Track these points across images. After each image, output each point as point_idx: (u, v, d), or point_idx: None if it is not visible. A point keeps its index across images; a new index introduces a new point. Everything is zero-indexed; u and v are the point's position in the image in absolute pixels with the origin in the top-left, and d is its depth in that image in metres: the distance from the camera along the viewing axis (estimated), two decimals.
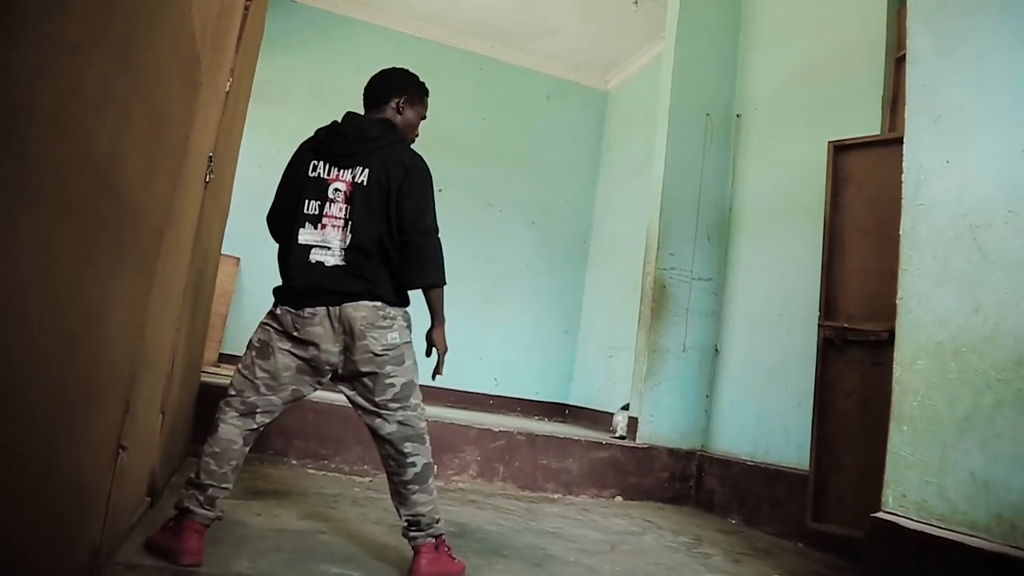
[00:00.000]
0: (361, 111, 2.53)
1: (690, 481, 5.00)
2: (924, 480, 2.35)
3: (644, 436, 5.10)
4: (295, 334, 2.26)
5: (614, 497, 4.76)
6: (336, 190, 2.30)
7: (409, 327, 2.39)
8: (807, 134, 4.57)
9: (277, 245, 2.40)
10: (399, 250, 2.31)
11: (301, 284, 2.25)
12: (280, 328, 2.29)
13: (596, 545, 3.24)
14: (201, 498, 2.17)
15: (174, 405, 2.78)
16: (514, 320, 7.81)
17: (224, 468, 2.22)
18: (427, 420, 2.42)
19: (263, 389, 2.27)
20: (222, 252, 4.32)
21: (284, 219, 2.36)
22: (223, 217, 3.76)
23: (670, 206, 5.44)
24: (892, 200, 2.84)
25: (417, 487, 2.31)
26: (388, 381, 2.29)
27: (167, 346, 2.37)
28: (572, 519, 3.82)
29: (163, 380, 2.41)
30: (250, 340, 2.34)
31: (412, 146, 2.52)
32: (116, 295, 1.34)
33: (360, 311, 2.24)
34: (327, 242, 2.27)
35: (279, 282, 2.34)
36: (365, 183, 2.29)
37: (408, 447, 2.31)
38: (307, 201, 2.30)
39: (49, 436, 1.07)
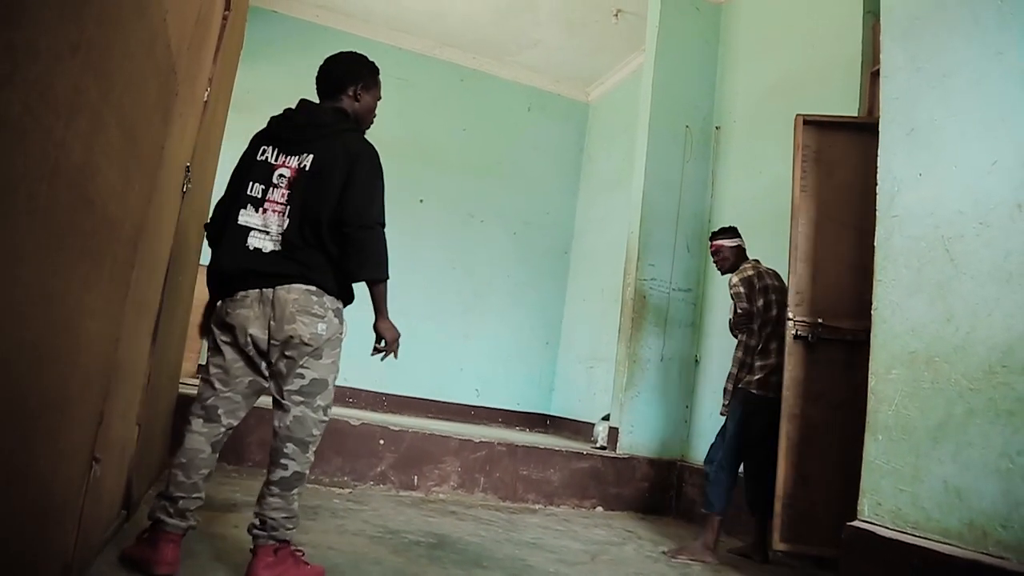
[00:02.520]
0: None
1: (670, 491, 5.01)
2: (898, 488, 2.37)
3: (624, 446, 5.12)
4: (226, 319, 2.21)
5: (595, 507, 4.76)
6: (280, 176, 2.24)
7: (342, 323, 2.31)
8: (785, 146, 4.62)
9: (205, 229, 2.39)
10: (339, 242, 2.23)
11: (235, 266, 2.20)
12: (218, 319, 2.25)
13: (576, 556, 3.24)
14: (171, 509, 2.15)
15: (151, 417, 2.75)
16: (495, 331, 7.81)
17: (193, 478, 2.19)
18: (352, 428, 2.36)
19: (217, 385, 2.23)
20: (201, 262, 4.29)
21: (227, 201, 2.31)
22: (201, 228, 3.74)
23: (650, 217, 5.47)
24: (866, 188, 2.85)
25: (277, 491, 2.20)
26: (299, 371, 2.21)
27: (143, 357, 2.35)
28: (553, 530, 3.81)
29: (139, 391, 2.38)
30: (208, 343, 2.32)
31: (369, 133, 2.46)
32: (88, 305, 1.33)
33: (292, 293, 2.18)
34: (267, 227, 2.21)
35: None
36: (308, 168, 2.24)
37: (288, 449, 2.21)
38: (251, 183, 2.25)
39: (16, 446, 1.06)
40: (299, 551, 2.27)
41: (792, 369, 3.42)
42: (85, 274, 1.27)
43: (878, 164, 2.75)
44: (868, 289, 2.71)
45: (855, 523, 2.48)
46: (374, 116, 2.55)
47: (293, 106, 2.41)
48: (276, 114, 2.40)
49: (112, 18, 1.11)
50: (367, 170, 2.28)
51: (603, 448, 5.22)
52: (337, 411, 4.85)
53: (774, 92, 5.07)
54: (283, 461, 2.21)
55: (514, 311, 7.95)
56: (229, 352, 2.23)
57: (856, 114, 4.13)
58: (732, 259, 3.90)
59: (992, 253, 2.25)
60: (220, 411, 2.24)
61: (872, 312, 2.65)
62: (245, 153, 2.37)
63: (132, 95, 1.37)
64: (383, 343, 2.38)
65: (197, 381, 5.38)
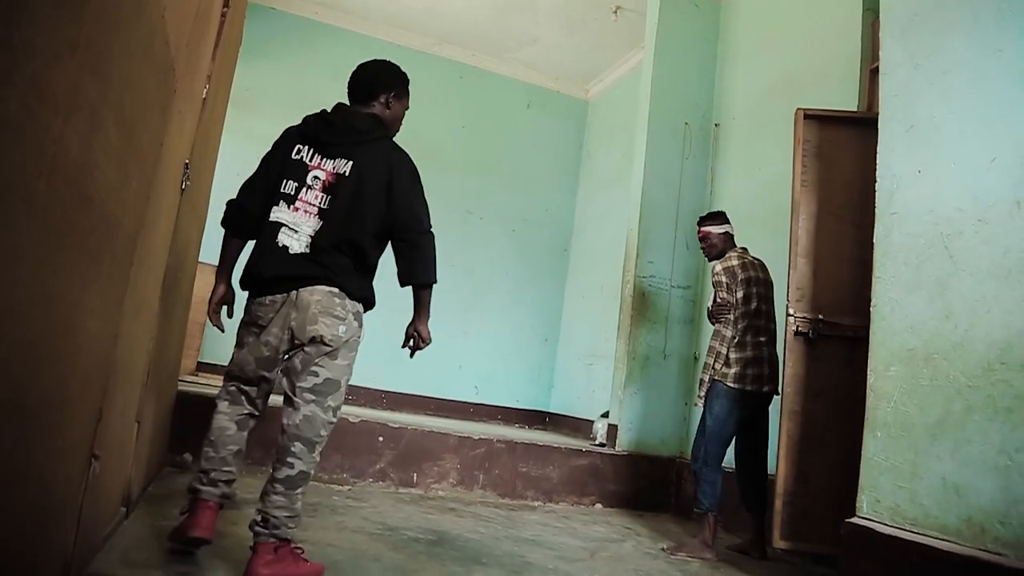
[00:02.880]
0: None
1: (669, 488, 5.02)
2: (897, 485, 2.38)
3: (624, 443, 5.12)
4: (256, 320, 2.31)
5: (594, 504, 4.77)
6: (315, 177, 2.32)
7: (360, 327, 2.38)
8: (784, 143, 4.62)
9: (226, 208, 2.44)
10: (395, 248, 2.39)
11: (266, 272, 2.28)
12: (247, 319, 2.36)
13: (575, 552, 3.24)
14: (205, 479, 2.29)
15: (150, 414, 2.75)
16: (494, 328, 7.81)
17: (222, 453, 2.32)
18: (340, 424, 2.61)
19: (238, 373, 2.37)
20: (200, 260, 4.29)
21: (259, 196, 2.37)
22: (200, 224, 3.74)
23: (649, 214, 5.47)
24: (866, 184, 2.84)
25: (282, 488, 2.22)
26: (314, 369, 2.26)
27: (142, 355, 2.35)
28: (552, 527, 3.82)
29: (138, 389, 2.38)
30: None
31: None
32: (87, 302, 1.33)
33: (316, 295, 2.25)
34: (296, 225, 2.28)
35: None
36: (347, 174, 2.31)
37: (296, 448, 2.24)
38: (286, 181, 2.32)
39: (15, 445, 1.06)
40: (299, 548, 2.27)
41: (792, 365, 3.41)
42: (84, 272, 1.27)
43: (877, 161, 2.75)
44: (869, 285, 2.71)
45: (854, 520, 2.48)
46: (401, 124, 2.61)
47: (327, 108, 2.47)
48: (311, 113, 2.45)
49: (110, 15, 1.11)
50: (409, 178, 2.41)
51: (602, 445, 5.22)
52: None
53: (773, 90, 5.06)
54: (290, 460, 2.24)
55: (513, 308, 7.95)
56: (247, 351, 2.34)
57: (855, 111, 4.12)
58: (720, 246, 3.85)
59: (991, 250, 2.25)
60: (242, 397, 2.39)
61: (871, 309, 2.65)
62: (278, 146, 2.43)
63: (130, 92, 1.36)
64: (415, 342, 2.55)
65: (196, 379, 5.40)
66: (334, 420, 2.33)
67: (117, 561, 2.11)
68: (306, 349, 2.26)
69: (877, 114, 2.83)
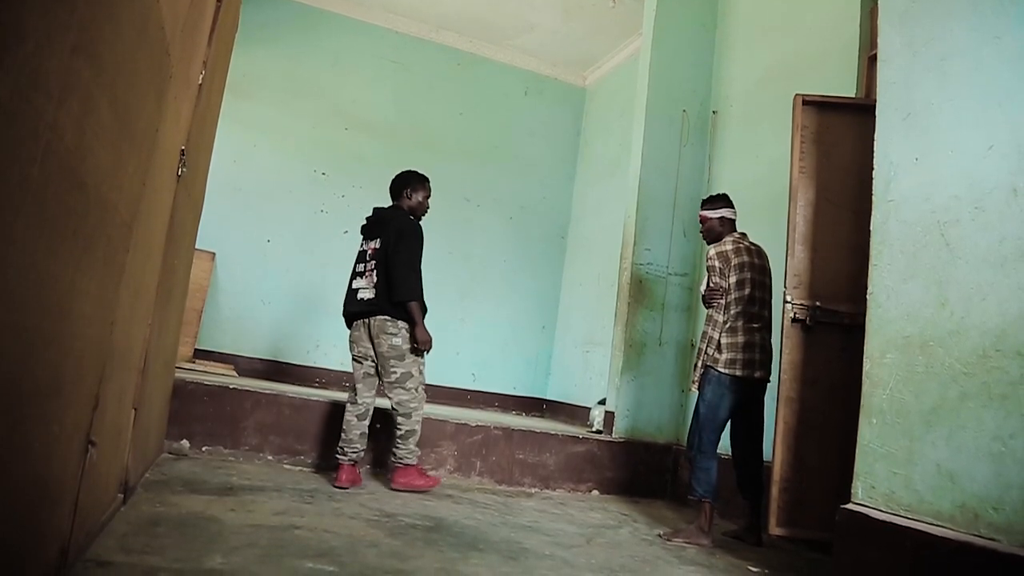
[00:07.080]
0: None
1: (666, 475, 5.04)
2: (892, 472, 2.39)
3: (620, 430, 5.14)
4: (351, 335, 3.87)
5: (591, 491, 4.79)
6: (367, 254, 3.89)
7: (413, 338, 3.80)
8: (781, 131, 4.61)
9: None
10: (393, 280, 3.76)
11: (353, 311, 3.86)
12: (350, 340, 3.91)
13: (572, 538, 3.26)
14: (341, 452, 3.76)
15: (147, 401, 2.75)
16: (491, 315, 7.81)
17: (350, 435, 3.77)
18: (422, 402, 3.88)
19: (355, 376, 3.90)
20: (197, 247, 4.28)
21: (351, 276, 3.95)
22: (197, 211, 3.73)
23: (647, 201, 5.47)
24: (865, 170, 2.83)
25: (401, 442, 3.78)
26: (391, 368, 3.78)
27: (139, 341, 2.35)
28: (548, 513, 3.84)
29: (135, 375, 2.38)
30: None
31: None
32: (82, 288, 1.33)
33: (376, 321, 3.78)
34: (364, 285, 3.84)
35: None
36: (379, 247, 3.82)
37: (400, 419, 3.78)
38: (358, 264, 3.95)
39: (10, 431, 1.06)
40: (423, 467, 4.00)
41: (789, 352, 3.40)
42: (78, 257, 1.27)
43: (875, 148, 2.74)
44: (866, 273, 2.70)
45: (849, 506, 2.49)
46: (425, 208, 4.09)
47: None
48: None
49: None
50: (408, 238, 3.80)
51: (599, 432, 5.24)
52: (334, 395, 4.86)
53: (771, 77, 5.05)
54: (399, 426, 3.79)
55: (510, 296, 7.95)
56: (352, 363, 3.90)
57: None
58: (717, 229, 3.79)
59: (987, 238, 2.25)
60: (355, 396, 3.86)
61: (867, 297, 2.65)
62: (359, 250, 4.01)
63: (125, 77, 1.36)
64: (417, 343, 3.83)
65: (193, 366, 5.40)
66: (417, 394, 3.82)
67: (114, 547, 2.12)
68: (382, 356, 3.76)
69: (876, 101, 2.82)
